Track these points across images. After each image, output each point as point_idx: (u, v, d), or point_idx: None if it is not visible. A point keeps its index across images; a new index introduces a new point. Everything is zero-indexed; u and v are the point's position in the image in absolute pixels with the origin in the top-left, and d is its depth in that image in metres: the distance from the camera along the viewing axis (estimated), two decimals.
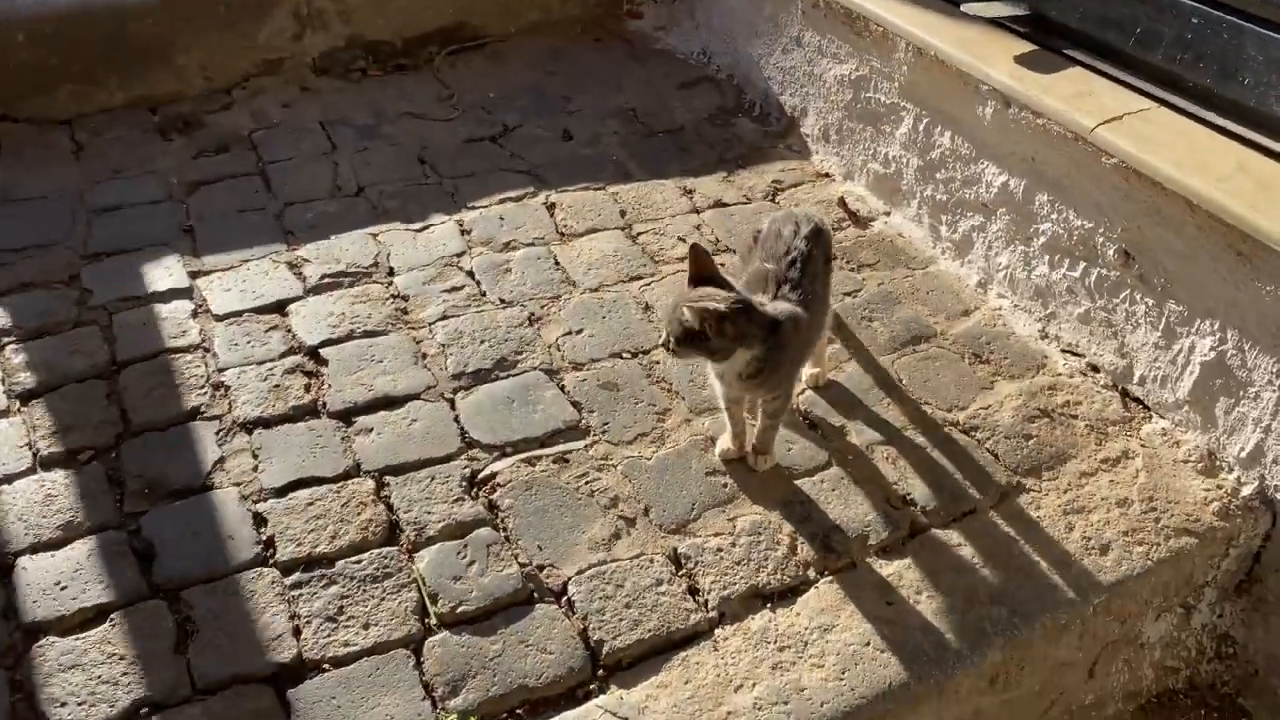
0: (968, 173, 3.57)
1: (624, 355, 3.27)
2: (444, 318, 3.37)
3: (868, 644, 2.47)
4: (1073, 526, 2.80)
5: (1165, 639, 2.93)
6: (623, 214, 3.95)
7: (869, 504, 2.83)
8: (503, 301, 3.47)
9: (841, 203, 4.00)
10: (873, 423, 3.07)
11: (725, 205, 4.04)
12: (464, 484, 2.82)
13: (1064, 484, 2.92)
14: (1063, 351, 3.35)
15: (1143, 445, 3.05)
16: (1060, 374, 3.28)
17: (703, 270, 2.53)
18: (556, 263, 3.64)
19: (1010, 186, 3.41)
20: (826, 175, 4.29)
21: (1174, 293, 2.96)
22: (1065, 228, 3.24)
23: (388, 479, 2.83)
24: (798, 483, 2.89)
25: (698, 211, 3.99)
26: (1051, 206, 3.25)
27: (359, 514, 2.71)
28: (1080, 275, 3.23)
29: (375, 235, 3.74)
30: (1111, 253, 3.09)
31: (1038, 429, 3.07)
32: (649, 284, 3.57)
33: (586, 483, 2.84)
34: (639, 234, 3.84)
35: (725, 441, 2.91)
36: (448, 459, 2.89)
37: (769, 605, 2.60)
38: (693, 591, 2.60)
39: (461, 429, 2.97)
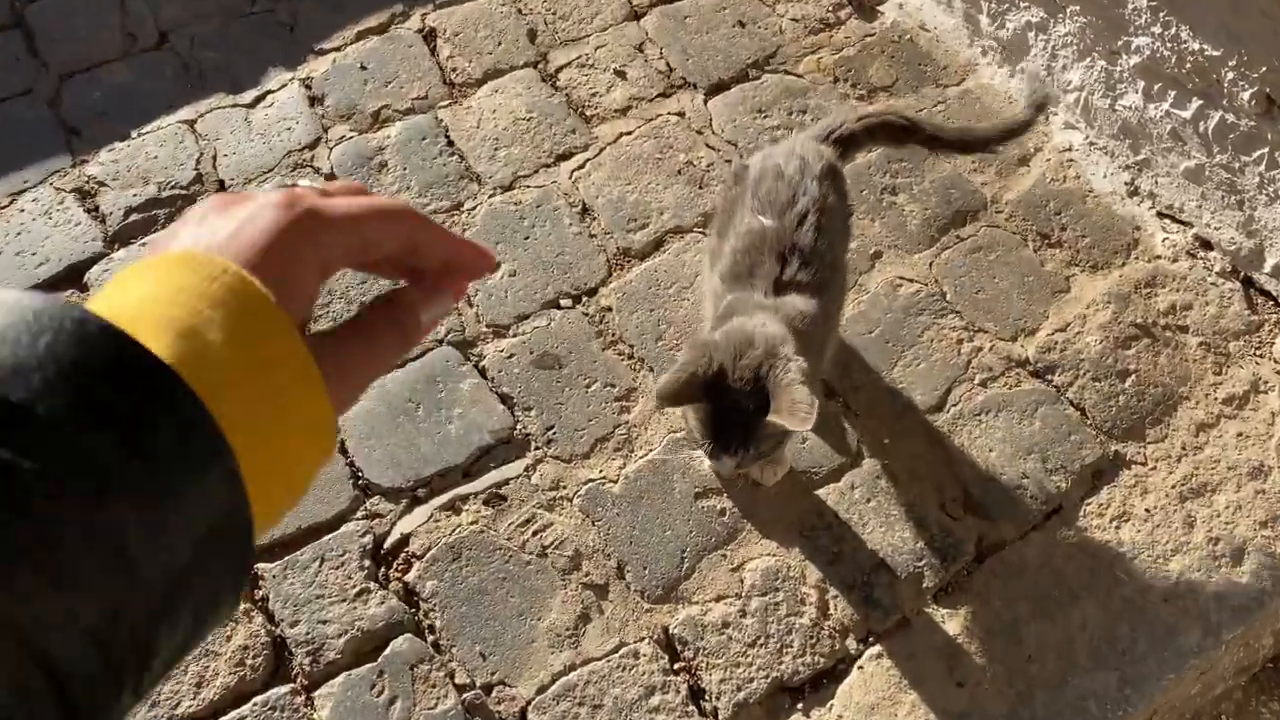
0: None
1: (562, 302, 2.39)
2: None
3: None
4: (1193, 520, 2.09)
5: None
6: (532, 36, 2.85)
7: (916, 517, 2.10)
8: None
9: None
10: (912, 380, 2.26)
11: (673, 1, 2.92)
12: (366, 562, 2.05)
13: (1176, 447, 2.17)
14: (1160, 216, 2.46)
15: (1278, 370, 2.26)
16: (1160, 256, 2.43)
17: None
18: (449, 143, 2.63)
19: None
20: None
21: None
22: (1174, 49, 2.26)
23: (260, 568, 2.06)
24: (820, 494, 2.13)
25: (637, 17, 2.88)
26: (1154, 17, 2.23)
27: (229, 640, 1.97)
28: (1193, 117, 2.29)
29: (192, 124, 2.70)
30: (1246, 96, 2.12)
31: (1136, 358, 2.29)
32: (583, 165, 2.59)
33: (534, 534, 2.09)
34: (558, 70, 2.79)
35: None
36: (338, 522, 2.11)
37: (799, 704, 1.94)
38: (696, 696, 1.93)
39: (352, 466, 2.15)
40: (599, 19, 2.90)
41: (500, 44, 2.86)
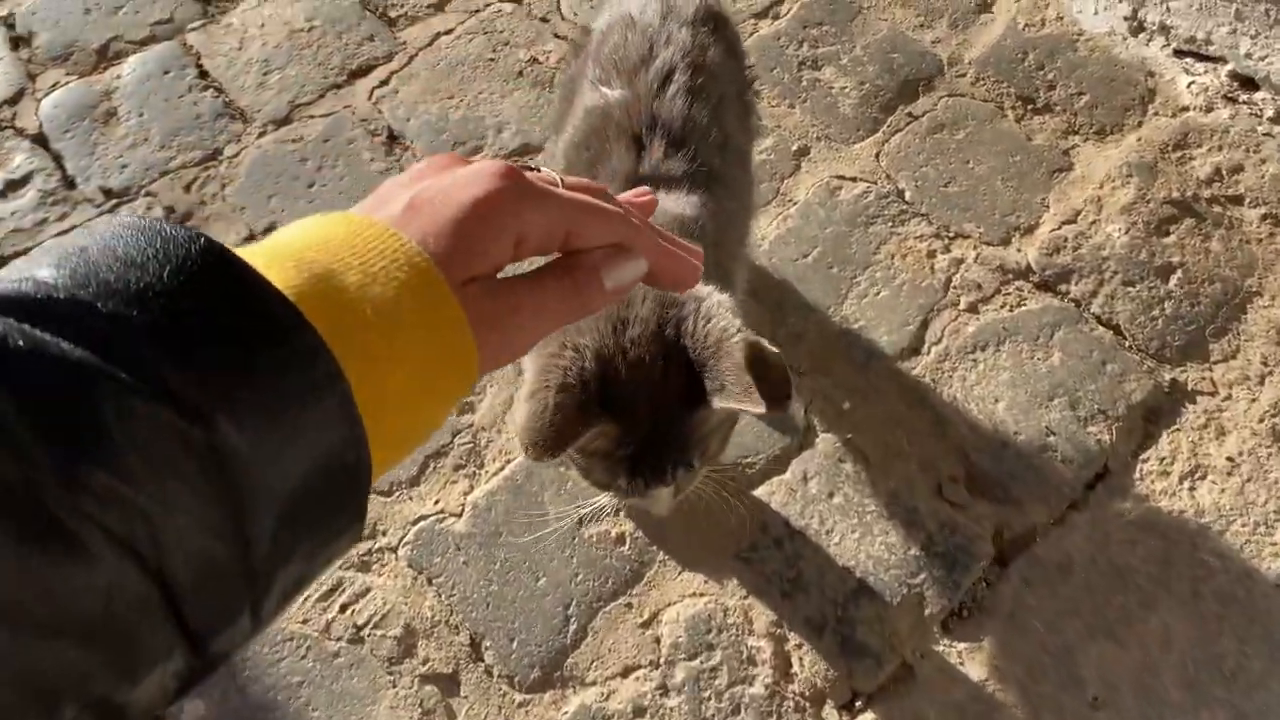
0: None
1: None
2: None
3: None
4: None
5: None
6: None
7: (903, 511, 1.46)
8: (110, 194, 1.80)
9: None
10: (873, 316, 1.62)
11: None
12: None
13: (1254, 363, 1.55)
14: (1178, 55, 1.82)
15: None
16: (1187, 107, 1.78)
17: None
18: (202, 74, 1.93)
19: None
20: None
21: None
22: None
23: None
24: (759, 495, 1.47)
25: None
26: None
27: None
28: None
29: None
30: None
31: (1179, 247, 1.66)
32: (387, 80, 1.90)
33: (342, 609, 1.41)
34: None
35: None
36: None
37: None
38: None
39: None
40: None
41: None
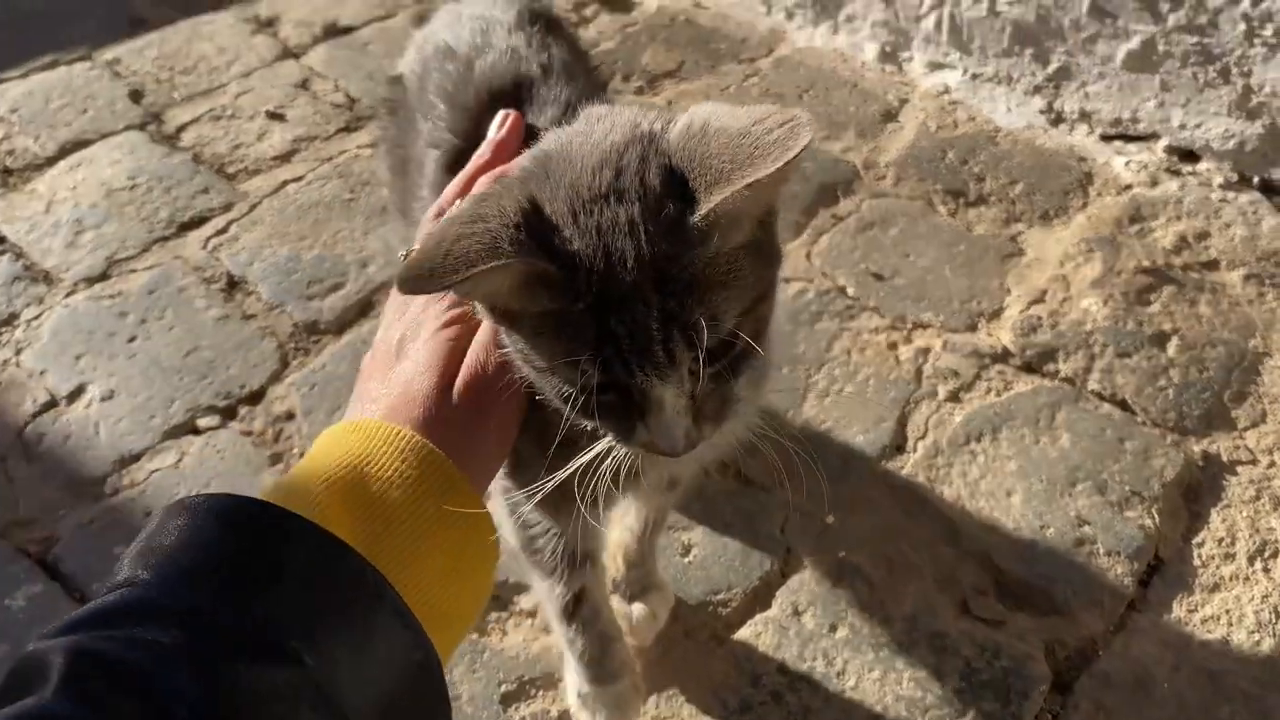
0: None
1: (202, 422, 1.35)
2: None
3: None
4: None
5: None
6: (137, 97, 1.91)
7: (928, 638, 1.20)
8: None
9: None
10: (841, 415, 1.38)
11: (347, 31, 2.08)
12: None
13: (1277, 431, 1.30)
14: (1105, 140, 1.69)
15: None
16: (1130, 185, 1.64)
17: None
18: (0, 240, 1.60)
19: None
20: None
21: None
22: None
23: None
24: (741, 638, 1.12)
25: (295, 55, 2.01)
26: None
27: None
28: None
29: None
30: None
31: (1167, 314, 1.51)
32: (225, 229, 1.61)
33: None
34: (180, 129, 1.84)
35: (598, 707, 1.08)
36: None
37: None
38: None
39: None
40: (237, 66, 2.01)
41: (87, 111, 1.91)
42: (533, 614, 1.18)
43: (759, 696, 1.12)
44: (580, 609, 1.01)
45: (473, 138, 0.89)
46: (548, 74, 0.94)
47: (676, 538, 1.25)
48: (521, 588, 1.20)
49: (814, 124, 0.57)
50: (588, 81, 1.04)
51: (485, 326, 0.69)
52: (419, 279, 0.57)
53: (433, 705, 0.56)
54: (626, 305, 0.58)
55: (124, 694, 0.44)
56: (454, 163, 0.91)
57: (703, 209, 0.58)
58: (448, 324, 0.69)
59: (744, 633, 1.18)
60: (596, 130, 0.65)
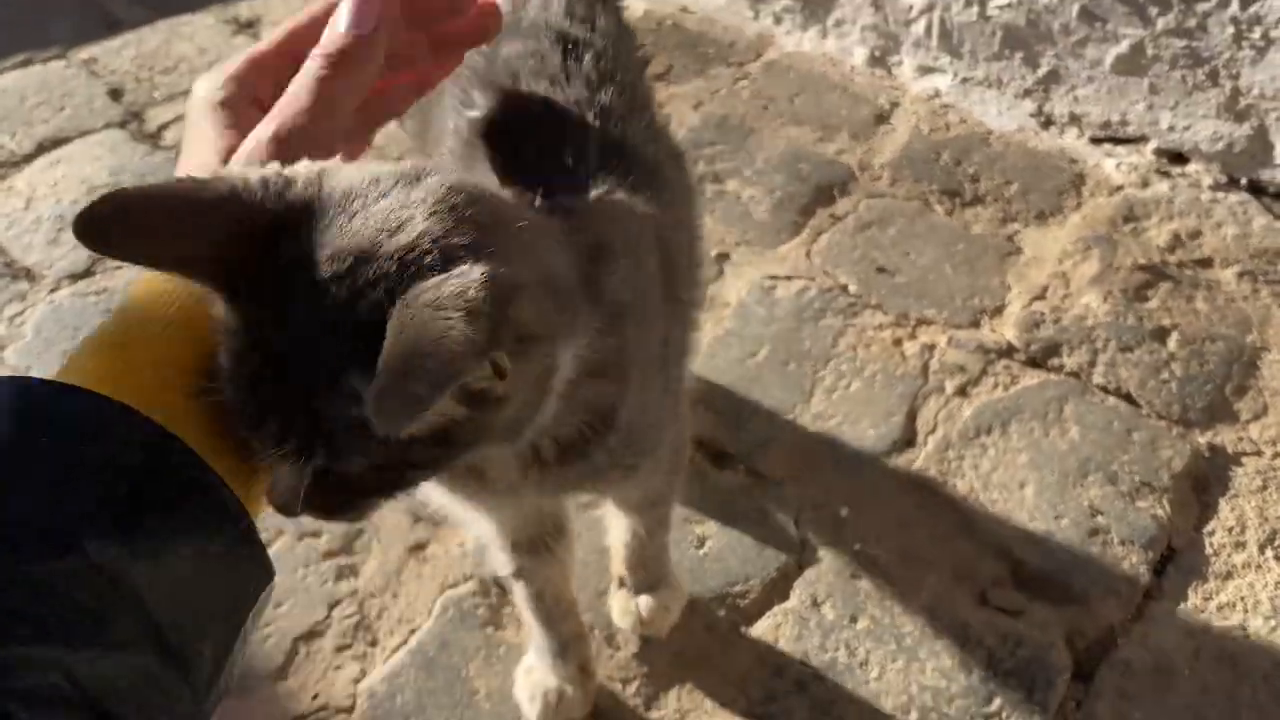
0: None
1: None
2: None
3: None
4: None
5: None
6: (116, 95, 1.87)
7: (948, 627, 1.19)
8: None
9: None
10: (849, 411, 1.38)
11: None
12: None
13: None
14: (1094, 142, 1.71)
15: None
16: (1121, 186, 1.66)
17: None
18: None
19: None
20: None
21: None
22: None
23: None
24: (758, 633, 1.10)
25: None
26: None
27: None
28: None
29: None
30: None
31: (1165, 309, 1.54)
32: None
33: None
34: (161, 128, 1.80)
35: (550, 683, 1.06)
36: None
37: None
38: None
39: None
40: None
41: (64, 109, 1.87)
42: None
43: (783, 687, 1.11)
44: (540, 600, 1.01)
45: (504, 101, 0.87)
46: (584, 46, 0.91)
47: (690, 530, 1.24)
48: None
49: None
50: (637, 71, 1.01)
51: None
52: (94, 230, 0.49)
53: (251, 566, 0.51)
54: (275, 391, 0.50)
55: None
56: (486, 129, 0.87)
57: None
58: None
59: (763, 624, 1.16)
60: (395, 212, 0.51)
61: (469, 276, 0.47)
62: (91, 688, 0.42)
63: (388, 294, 0.48)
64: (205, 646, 0.47)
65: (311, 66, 0.58)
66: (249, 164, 0.54)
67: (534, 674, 1.07)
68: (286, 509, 0.52)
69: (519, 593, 1.02)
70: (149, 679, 0.44)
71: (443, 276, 0.47)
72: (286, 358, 0.49)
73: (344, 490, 0.55)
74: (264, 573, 0.51)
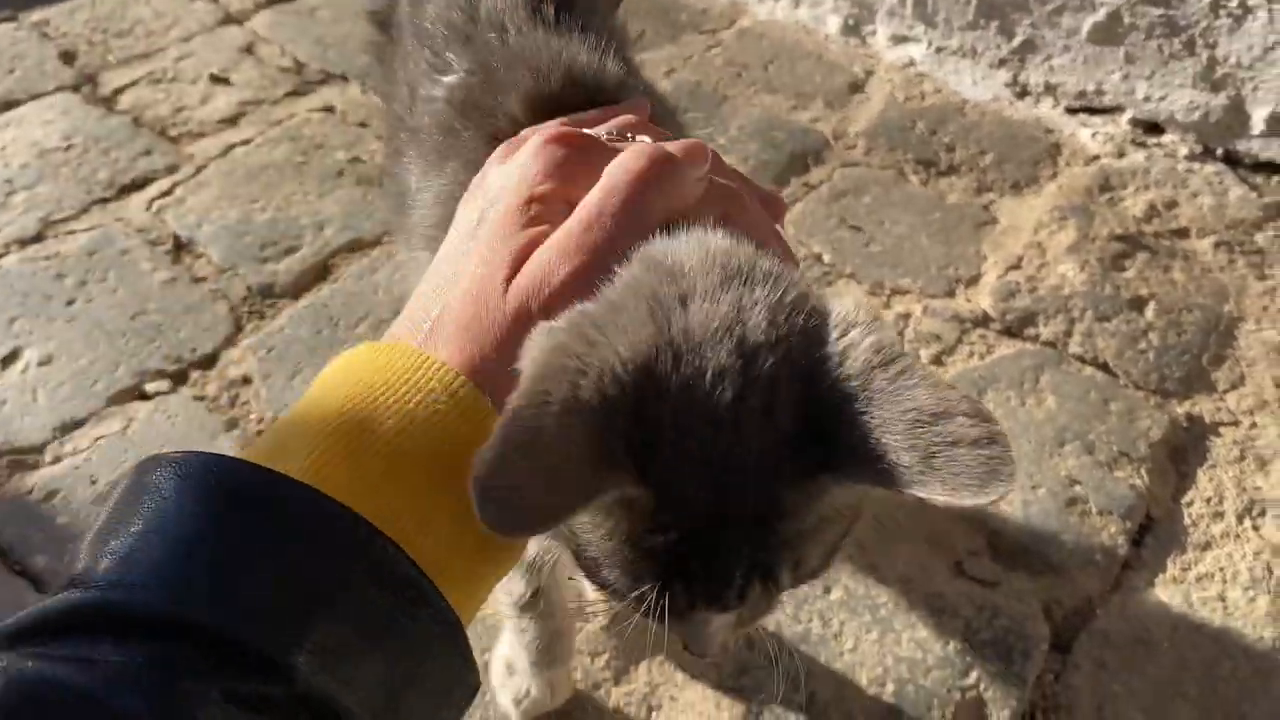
0: None
1: (151, 387, 1.28)
2: None
3: None
4: None
5: None
6: (69, 58, 1.81)
7: (924, 600, 1.18)
8: None
9: None
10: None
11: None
12: None
13: (1266, 386, 1.38)
14: (1070, 113, 1.69)
15: None
16: (1098, 156, 1.64)
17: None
18: None
19: None
20: None
21: None
22: None
23: None
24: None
25: (237, 21, 1.93)
26: None
27: None
28: None
29: None
30: None
31: (1142, 279, 1.52)
32: (170, 191, 1.53)
33: None
34: (117, 91, 1.75)
35: (531, 684, 1.03)
36: None
37: None
38: None
39: None
40: (176, 30, 1.92)
41: (14, 71, 1.80)
42: None
43: (755, 660, 1.08)
44: (535, 603, 0.95)
45: (482, 70, 0.80)
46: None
47: None
48: None
49: (1014, 463, 0.43)
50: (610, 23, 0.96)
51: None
52: (511, 509, 0.42)
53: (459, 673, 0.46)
54: (714, 552, 0.48)
55: None
56: (465, 97, 0.81)
57: (826, 483, 0.47)
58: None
59: None
60: (722, 303, 0.48)
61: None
62: None
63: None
64: None
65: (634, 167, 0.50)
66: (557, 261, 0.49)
67: (515, 676, 1.03)
68: (723, 652, 0.53)
69: (533, 610, 0.95)
70: None
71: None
72: (724, 507, 0.47)
73: (758, 613, 0.56)
74: (473, 681, 0.47)
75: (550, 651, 1.00)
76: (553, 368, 0.45)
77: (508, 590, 0.92)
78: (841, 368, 0.47)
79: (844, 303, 0.50)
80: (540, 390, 0.44)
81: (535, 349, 0.46)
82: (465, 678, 0.46)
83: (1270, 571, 1.17)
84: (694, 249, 0.51)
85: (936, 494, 0.43)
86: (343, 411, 0.44)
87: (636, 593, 0.49)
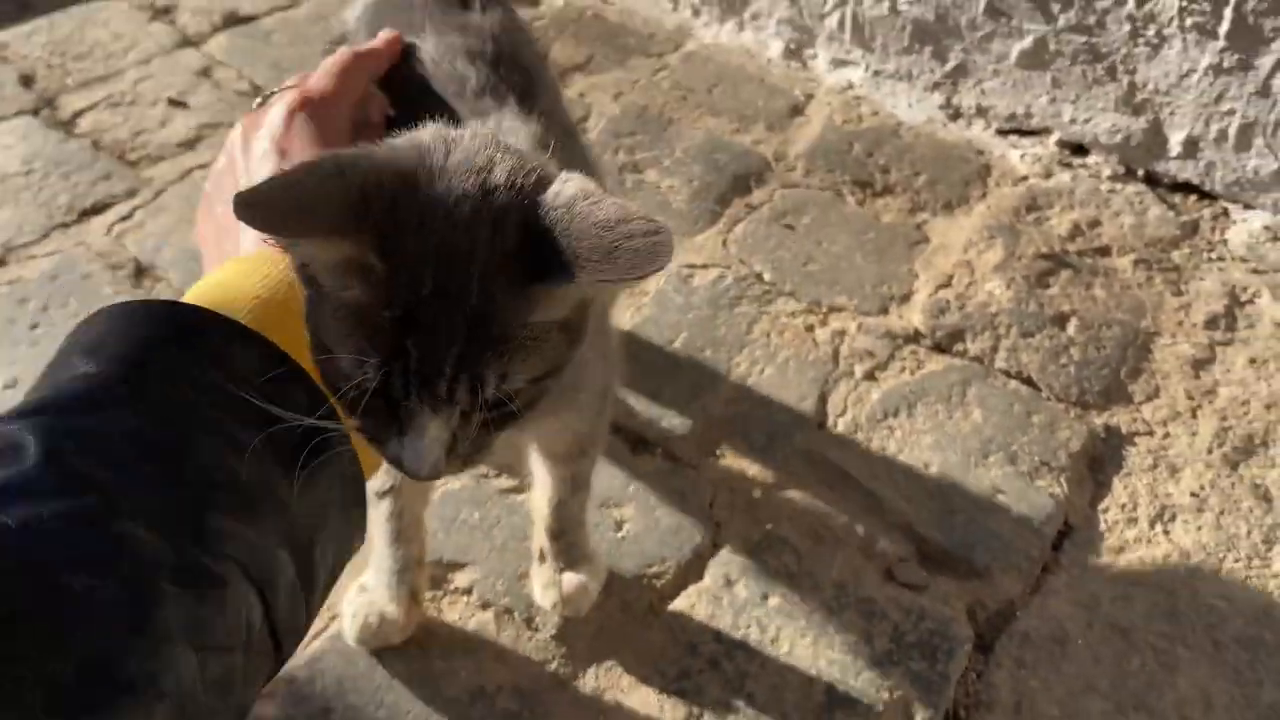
0: None
1: None
2: None
3: None
4: (1265, 489, 1.27)
5: None
6: (27, 82, 1.85)
7: (857, 604, 1.24)
8: None
9: None
10: (768, 388, 1.38)
11: (248, 20, 2.04)
12: None
13: (1179, 398, 1.47)
14: (1000, 134, 1.77)
15: (1254, 271, 1.56)
16: (1025, 176, 1.72)
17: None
18: None
19: None
20: None
21: None
22: None
23: None
24: (677, 609, 1.13)
25: (194, 44, 1.96)
26: None
27: None
28: None
29: None
30: None
31: (1064, 296, 1.61)
32: (130, 215, 1.57)
33: None
34: (76, 115, 1.78)
35: (379, 603, 1.10)
36: None
37: None
38: None
39: None
40: (134, 53, 1.96)
41: None
42: (468, 591, 1.18)
43: (696, 665, 1.14)
44: (398, 519, 1.06)
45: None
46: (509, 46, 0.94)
47: (608, 514, 1.26)
48: (456, 565, 1.19)
49: (673, 244, 0.57)
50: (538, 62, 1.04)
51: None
52: (258, 213, 0.53)
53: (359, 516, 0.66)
54: (431, 333, 0.57)
55: (104, 468, 0.47)
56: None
57: (549, 284, 0.58)
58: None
59: (679, 604, 1.19)
60: (478, 157, 0.61)
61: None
62: (269, 582, 0.52)
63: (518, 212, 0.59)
64: (321, 573, 0.58)
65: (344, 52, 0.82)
66: (286, 111, 0.75)
67: (366, 594, 1.10)
68: (433, 472, 0.61)
69: (380, 509, 1.05)
70: (289, 581, 0.54)
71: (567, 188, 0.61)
72: (446, 297, 0.57)
73: (470, 444, 0.63)
74: (363, 534, 0.66)
75: (405, 575, 1.09)
76: (325, 158, 0.58)
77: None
78: (553, 202, 0.60)
79: (570, 173, 0.63)
80: (309, 163, 0.58)
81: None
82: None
83: (1179, 574, 1.24)
84: (469, 131, 0.66)
85: (615, 277, 0.56)
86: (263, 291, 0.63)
87: (360, 375, 0.58)
